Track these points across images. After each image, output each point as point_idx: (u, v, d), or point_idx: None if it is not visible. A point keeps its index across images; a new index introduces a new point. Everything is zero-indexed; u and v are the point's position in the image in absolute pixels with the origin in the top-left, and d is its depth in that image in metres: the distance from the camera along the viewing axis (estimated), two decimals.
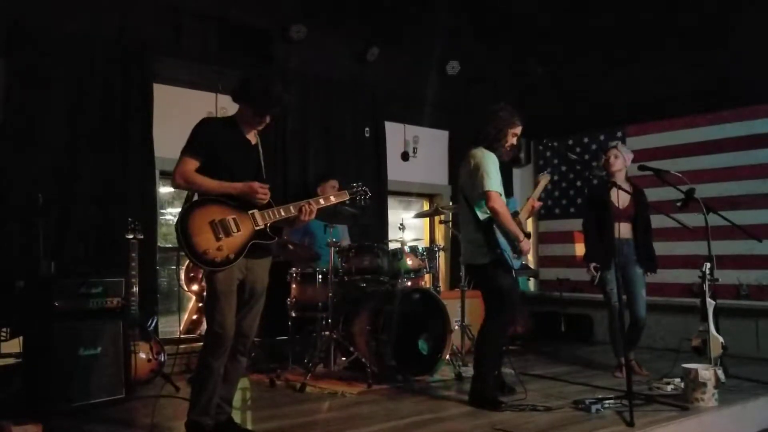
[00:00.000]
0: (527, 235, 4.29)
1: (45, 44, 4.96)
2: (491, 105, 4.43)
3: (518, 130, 4.37)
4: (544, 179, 4.87)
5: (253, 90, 3.39)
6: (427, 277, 6.08)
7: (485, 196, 4.13)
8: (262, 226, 3.39)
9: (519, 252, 4.23)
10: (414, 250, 5.51)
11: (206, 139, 3.36)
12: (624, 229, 5.21)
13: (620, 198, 5.08)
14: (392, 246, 5.53)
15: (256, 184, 3.33)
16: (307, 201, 3.52)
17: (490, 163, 4.20)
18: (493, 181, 4.15)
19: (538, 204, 4.69)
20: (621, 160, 5.27)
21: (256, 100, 3.38)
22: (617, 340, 5.23)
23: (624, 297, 5.11)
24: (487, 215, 4.20)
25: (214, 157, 3.34)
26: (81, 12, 5.17)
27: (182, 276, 5.72)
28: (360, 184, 3.84)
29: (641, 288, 5.26)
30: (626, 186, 5.19)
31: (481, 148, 4.30)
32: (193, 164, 3.32)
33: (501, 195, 4.19)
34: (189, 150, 3.34)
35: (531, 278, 7.89)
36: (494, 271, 4.18)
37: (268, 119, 3.47)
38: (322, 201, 3.59)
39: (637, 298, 5.23)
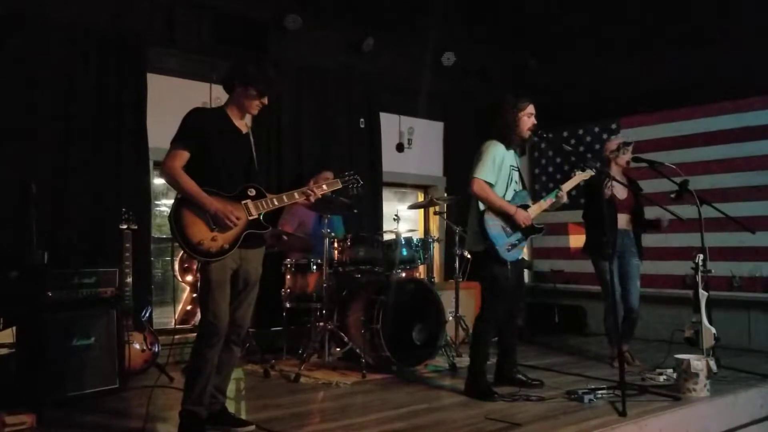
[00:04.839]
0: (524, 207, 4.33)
1: (38, 34, 4.92)
2: (492, 101, 4.43)
3: (530, 108, 4.38)
4: (580, 175, 4.57)
5: (243, 67, 3.39)
6: (421, 268, 6.08)
7: (470, 181, 4.26)
8: (256, 216, 3.40)
9: (517, 226, 4.25)
10: (409, 241, 5.52)
11: (196, 129, 3.34)
12: (623, 221, 5.24)
13: (620, 189, 5.13)
14: (387, 237, 5.53)
15: (233, 216, 3.28)
16: (300, 190, 3.53)
17: (488, 154, 4.29)
18: (483, 170, 4.25)
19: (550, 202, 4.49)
20: (629, 154, 5.31)
21: (248, 75, 3.36)
22: (613, 330, 5.23)
23: (619, 288, 5.14)
24: (485, 206, 4.27)
25: (205, 147, 3.32)
26: (75, 1, 5.13)
27: (176, 266, 5.72)
28: (352, 172, 3.83)
29: (636, 279, 5.28)
30: (623, 178, 5.24)
31: (491, 140, 4.36)
32: (182, 157, 3.30)
33: (491, 184, 4.25)
34: (179, 141, 3.33)
35: (525, 270, 7.89)
36: (486, 261, 4.29)
37: (260, 101, 3.43)
38: (315, 190, 3.57)
39: (631, 289, 5.25)
